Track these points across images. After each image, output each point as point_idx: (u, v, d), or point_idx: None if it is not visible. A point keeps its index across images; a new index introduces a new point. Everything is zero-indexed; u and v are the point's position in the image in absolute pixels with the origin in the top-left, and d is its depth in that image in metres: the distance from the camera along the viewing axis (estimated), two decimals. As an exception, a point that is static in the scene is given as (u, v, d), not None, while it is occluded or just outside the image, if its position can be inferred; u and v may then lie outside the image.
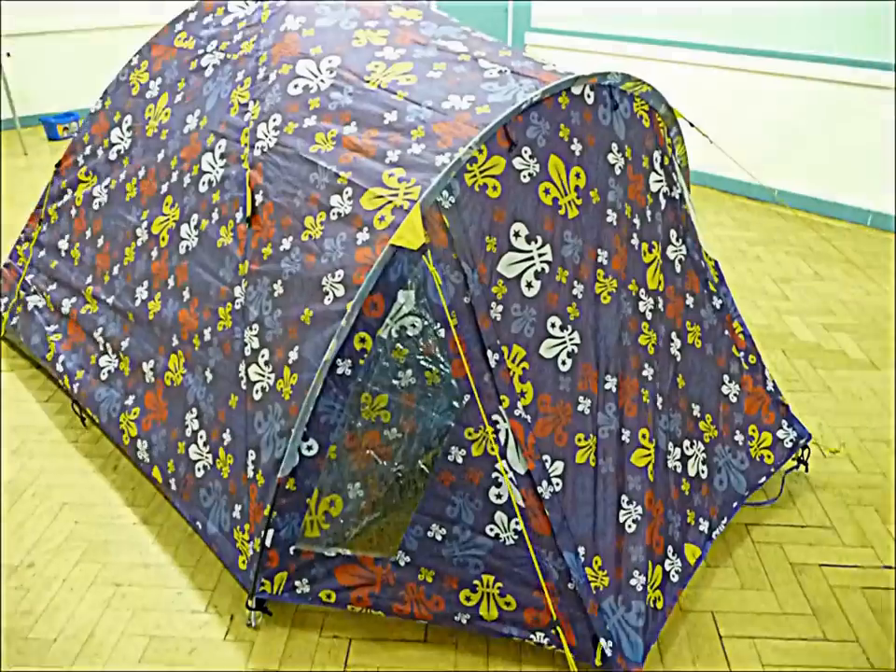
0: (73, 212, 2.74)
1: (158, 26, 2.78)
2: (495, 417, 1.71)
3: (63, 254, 2.74)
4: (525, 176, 1.76)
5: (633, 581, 1.80)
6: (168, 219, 2.31)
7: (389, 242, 1.62)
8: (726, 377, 2.22)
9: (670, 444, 2.00)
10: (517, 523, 1.73)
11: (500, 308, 1.72)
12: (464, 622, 1.80)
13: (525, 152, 1.76)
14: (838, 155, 4.42)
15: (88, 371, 2.51)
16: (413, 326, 1.69)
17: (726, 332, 2.24)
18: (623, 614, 1.77)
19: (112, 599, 2.00)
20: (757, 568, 2.11)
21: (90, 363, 2.52)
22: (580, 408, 1.80)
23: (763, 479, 2.25)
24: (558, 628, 1.71)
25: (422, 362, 1.70)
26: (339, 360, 1.71)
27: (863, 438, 2.63)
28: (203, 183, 2.20)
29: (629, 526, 1.83)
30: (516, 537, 1.74)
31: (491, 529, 1.76)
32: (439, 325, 1.68)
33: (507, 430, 1.72)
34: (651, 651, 1.86)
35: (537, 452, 1.73)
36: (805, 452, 2.39)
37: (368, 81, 1.95)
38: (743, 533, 2.23)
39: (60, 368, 2.61)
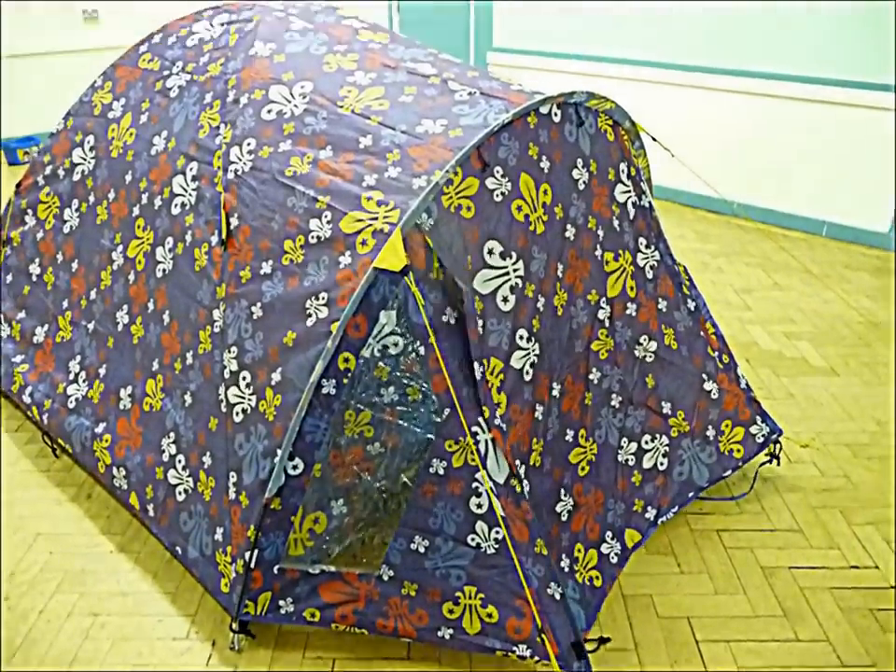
0: (40, 235, 2.71)
1: (124, 49, 2.77)
2: (475, 429, 1.75)
3: (35, 279, 2.70)
4: (497, 195, 1.81)
5: (563, 564, 1.92)
6: (143, 242, 2.30)
7: (372, 265, 1.65)
8: (704, 376, 2.30)
9: (624, 440, 2.13)
10: (497, 531, 1.76)
11: (480, 322, 1.77)
12: (447, 637, 1.81)
13: (497, 172, 1.81)
14: (793, 167, 4.57)
15: (55, 401, 2.48)
16: (395, 345, 1.72)
17: (701, 333, 2.32)
18: (564, 591, 1.86)
19: (91, 629, 1.97)
20: (729, 573, 2.17)
21: (56, 392, 2.48)
22: (536, 414, 1.87)
23: (729, 472, 2.34)
24: (543, 636, 1.74)
25: (403, 379, 1.73)
26: (323, 380, 1.73)
27: (826, 442, 2.72)
28: (176, 205, 2.20)
29: (563, 516, 1.95)
30: (496, 546, 1.77)
31: (472, 539, 1.79)
32: (419, 343, 1.71)
33: (486, 441, 1.76)
34: (630, 659, 1.90)
35: (514, 458, 1.79)
36: (777, 447, 2.47)
37: (341, 106, 1.98)
38: (715, 539, 2.29)
39: (27, 399, 2.57)
